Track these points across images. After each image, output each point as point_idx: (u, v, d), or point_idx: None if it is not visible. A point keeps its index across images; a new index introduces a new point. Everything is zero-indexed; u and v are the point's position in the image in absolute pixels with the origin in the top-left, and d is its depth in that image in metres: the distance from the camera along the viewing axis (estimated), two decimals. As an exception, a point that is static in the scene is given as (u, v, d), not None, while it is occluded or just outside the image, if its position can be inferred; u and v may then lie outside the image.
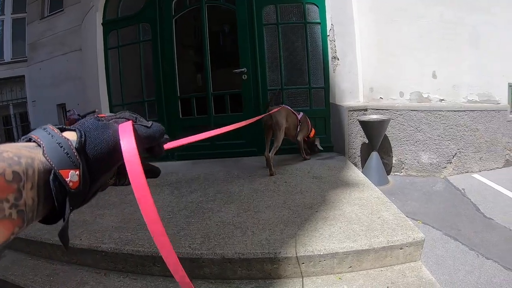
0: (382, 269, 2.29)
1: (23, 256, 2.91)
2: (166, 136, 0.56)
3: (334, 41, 4.84)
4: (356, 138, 4.66)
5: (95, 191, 0.47)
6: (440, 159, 4.48)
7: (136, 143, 0.45)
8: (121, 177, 0.53)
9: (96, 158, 0.44)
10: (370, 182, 3.55)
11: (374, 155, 4.32)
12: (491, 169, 4.52)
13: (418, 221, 3.24)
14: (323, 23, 4.86)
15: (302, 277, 2.25)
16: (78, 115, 5.84)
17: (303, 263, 2.25)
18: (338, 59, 4.84)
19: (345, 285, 2.15)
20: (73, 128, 0.45)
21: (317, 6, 4.86)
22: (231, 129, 0.97)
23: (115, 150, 0.45)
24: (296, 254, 2.24)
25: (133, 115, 0.53)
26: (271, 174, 3.93)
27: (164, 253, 0.41)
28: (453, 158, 4.45)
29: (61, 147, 0.41)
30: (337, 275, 2.26)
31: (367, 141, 4.52)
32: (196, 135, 0.70)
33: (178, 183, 4.00)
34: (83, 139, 0.43)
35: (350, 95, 4.90)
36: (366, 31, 4.86)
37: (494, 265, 2.51)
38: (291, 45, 5.01)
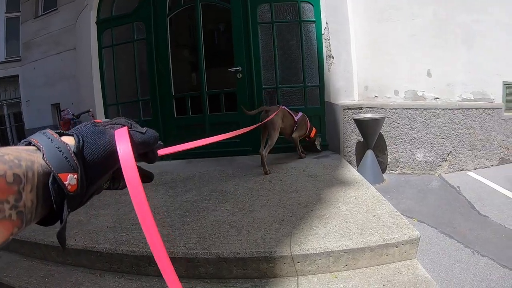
0: (378, 267, 2.29)
1: (18, 257, 2.89)
2: (160, 142, 0.58)
3: (329, 40, 4.83)
4: (351, 137, 4.67)
5: (91, 194, 0.48)
6: (435, 157, 4.50)
7: (132, 149, 0.47)
8: (115, 181, 0.54)
9: (93, 162, 0.45)
10: (365, 180, 3.55)
11: (369, 153, 4.33)
12: (486, 167, 4.54)
13: (414, 219, 3.25)
14: (318, 21, 4.86)
15: (298, 276, 2.25)
16: (73, 114, 5.81)
17: (298, 262, 2.24)
18: (333, 57, 4.84)
19: (341, 284, 2.15)
20: (71, 133, 0.46)
21: (312, 5, 4.85)
22: (226, 137, 0.96)
23: (112, 155, 0.47)
24: (292, 253, 2.23)
25: (128, 121, 0.54)
26: (266, 173, 3.93)
27: (161, 266, 0.43)
28: (448, 156, 4.47)
29: (60, 151, 0.42)
30: (333, 273, 2.25)
31: (362, 140, 4.52)
32: (191, 143, 0.70)
33: (173, 182, 3.98)
34: (81, 144, 0.45)
35: (345, 93, 4.90)
36: (360, 29, 4.86)
37: (490, 262, 2.52)
38: (286, 43, 5.00)
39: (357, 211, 2.75)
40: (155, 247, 0.43)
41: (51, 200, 0.41)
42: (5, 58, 8.90)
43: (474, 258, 2.58)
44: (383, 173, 4.52)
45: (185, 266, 2.34)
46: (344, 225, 2.52)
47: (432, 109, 4.46)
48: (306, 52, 4.95)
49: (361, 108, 4.67)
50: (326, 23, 4.81)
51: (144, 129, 0.54)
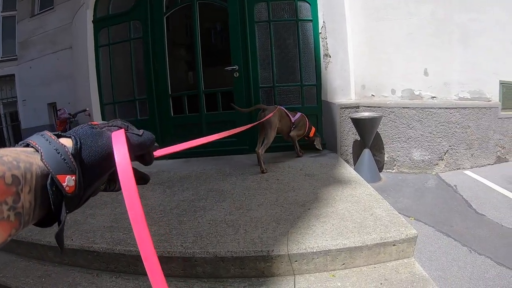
0: (375, 265, 2.29)
1: (14, 258, 2.87)
2: (156, 144, 0.58)
3: (326, 39, 4.83)
4: (348, 136, 4.67)
5: (88, 196, 0.48)
6: (432, 156, 4.51)
7: (128, 151, 0.47)
8: (111, 183, 0.54)
9: (90, 164, 0.46)
10: (363, 179, 3.56)
11: (366, 152, 4.33)
12: (483, 166, 4.56)
13: (411, 218, 3.26)
14: (315, 20, 4.86)
15: (295, 275, 2.25)
16: (69, 114, 5.81)
17: (296, 261, 2.24)
18: (330, 56, 4.84)
19: (339, 282, 2.15)
20: (69, 135, 0.46)
21: (309, 4, 4.85)
22: (222, 136, 0.96)
23: (109, 157, 0.47)
24: (289, 252, 2.23)
25: (124, 123, 0.54)
26: (262, 171, 3.92)
27: (150, 273, 0.43)
28: (444, 155, 4.48)
29: (58, 153, 0.42)
30: (330, 272, 2.25)
31: (359, 138, 4.53)
32: (186, 143, 0.69)
33: (170, 181, 3.97)
34: (78, 145, 0.45)
35: (342, 92, 4.90)
36: (357, 28, 4.86)
37: (487, 260, 2.53)
38: (283, 42, 5.00)
39: (354, 209, 2.75)
40: (145, 251, 0.44)
41: (49, 202, 0.41)
42: (1, 57, 8.84)
43: (471, 257, 2.59)
44: (380, 172, 4.52)
45: (182, 265, 2.33)
46: (341, 224, 2.52)
47: (429, 108, 4.46)
48: (303, 51, 4.94)
49: (358, 107, 4.67)
50: (323, 22, 4.81)
51: (140, 131, 0.54)
